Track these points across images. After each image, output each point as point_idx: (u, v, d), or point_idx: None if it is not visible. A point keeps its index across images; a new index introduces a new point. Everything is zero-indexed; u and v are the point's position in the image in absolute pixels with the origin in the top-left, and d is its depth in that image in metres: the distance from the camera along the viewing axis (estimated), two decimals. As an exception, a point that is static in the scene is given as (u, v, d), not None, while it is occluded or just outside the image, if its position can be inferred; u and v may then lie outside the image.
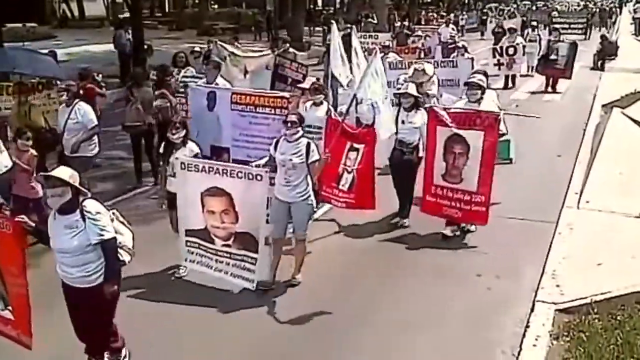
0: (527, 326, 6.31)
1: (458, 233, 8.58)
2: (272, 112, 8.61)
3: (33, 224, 5.24)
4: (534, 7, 59.45)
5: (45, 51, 14.68)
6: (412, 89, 8.89)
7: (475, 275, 7.50)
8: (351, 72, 11.21)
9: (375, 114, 8.58)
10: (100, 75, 13.13)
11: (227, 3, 47.45)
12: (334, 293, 7.14)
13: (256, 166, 6.99)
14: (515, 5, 62.19)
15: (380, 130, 8.39)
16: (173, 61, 13.99)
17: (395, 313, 6.69)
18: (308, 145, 6.86)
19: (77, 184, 5.01)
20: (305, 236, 7.21)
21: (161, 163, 7.72)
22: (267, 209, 7.02)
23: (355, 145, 8.37)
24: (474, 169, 8.06)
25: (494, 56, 20.20)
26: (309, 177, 6.95)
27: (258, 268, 6.81)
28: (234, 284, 6.96)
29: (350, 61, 11.31)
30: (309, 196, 7.00)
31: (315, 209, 7.45)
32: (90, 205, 5.04)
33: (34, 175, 8.12)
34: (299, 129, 6.92)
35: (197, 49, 16.14)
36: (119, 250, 5.21)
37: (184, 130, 7.29)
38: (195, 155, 7.19)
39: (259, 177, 6.65)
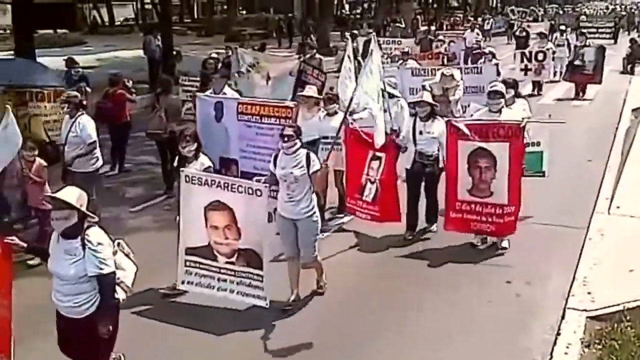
0: (558, 333, 6.22)
1: (488, 243, 8.33)
2: (277, 122, 8.22)
3: (25, 244, 5.07)
4: (561, 11, 58.89)
5: (65, 57, 14.72)
6: (427, 97, 8.56)
7: (504, 281, 7.40)
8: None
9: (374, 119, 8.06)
10: (131, 82, 13.22)
11: (255, 9, 47.66)
12: (354, 307, 6.94)
13: (257, 181, 6.72)
14: (541, 9, 61.32)
15: (377, 138, 7.88)
16: (203, 67, 14.14)
17: (422, 322, 6.61)
18: (308, 155, 6.59)
19: (84, 208, 4.72)
20: (316, 255, 6.86)
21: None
22: (269, 222, 6.84)
23: (377, 154, 8.14)
24: (503, 181, 7.80)
25: (522, 61, 19.51)
26: (312, 191, 6.66)
27: (266, 285, 6.44)
28: (241, 302, 6.64)
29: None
30: (314, 212, 6.70)
31: (319, 231, 6.92)
32: (93, 234, 4.73)
33: (46, 186, 7.97)
34: (297, 141, 6.59)
35: (214, 55, 16.13)
36: (116, 287, 4.89)
37: (195, 143, 6.97)
38: (207, 169, 6.92)
39: (258, 192, 6.34)
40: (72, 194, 4.72)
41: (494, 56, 15.42)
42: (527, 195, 8.17)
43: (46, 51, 23.26)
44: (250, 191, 6.36)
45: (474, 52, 20.30)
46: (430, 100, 8.51)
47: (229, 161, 8.84)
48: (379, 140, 7.78)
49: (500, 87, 8.54)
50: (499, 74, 15.30)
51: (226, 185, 6.43)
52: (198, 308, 6.84)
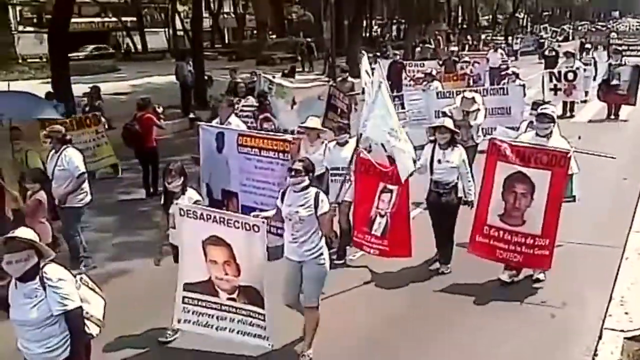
0: (595, 355, 6.05)
1: (517, 279, 7.70)
2: (276, 156, 7.91)
3: None
4: (593, 29, 58.25)
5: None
6: (449, 123, 8.02)
7: (539, 302, 7.25)
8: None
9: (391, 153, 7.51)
10: (162, 107, 13.30)
11: (285, 33, 48.12)
12: (376, 345, 6.50)
13: (255, 216, 6.19)
14: (571, 27, 60.59)
15: (401, 174, 7.45)
16: (234, 90, 14.26)
17: (456, 341, 6.49)
18: (317, 195, 6.02)
19: (40, 247, 4.36)
20: (317, 303, 6.18)
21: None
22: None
23: (389, 187, 7.76)
24: (539, 212, 7.26)
25: (551, 80, 18.52)
26: (318, 232, 6.08)
27: (268, 324, 5.97)
28: (242, 343, 6.16)
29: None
30: (321, 254, 6.10)
31: (326, 276, 6.24)
32: (52, 271, 4.35)
33: (43, 218, 7.60)
34: (305, 177, 6.06)
35: (238, 80, 16.16)
36: (86, 321, 4.54)
37: (182, 178, 6.57)
38: (196, 203, 6.53)
39: (256, 228, 5.86)
40: (29, 233, 4.38)
41: (517, 76, 15.29)
42: (562, 213, 8.01)
43: (81, 78, 23.73)
44: (247, 227, 5.90)
45: (502, 73, 20.11)
46: (451, 126, 8.00)
47: (230, 194, 8.62)
48: (402, 175, 7.42)
49: (551, 110, 8.00)
50: (525, 95, 15.22)
51: (222, 219, 6.02)
52: (194, 354, 6.40)
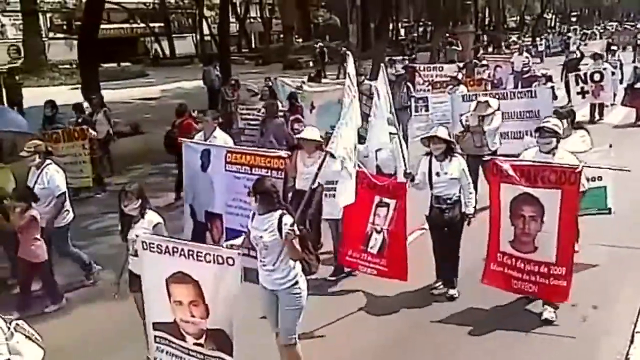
0: (627, 359, 6.05)
1: (554, 316, 6.83)
2: (269, 173, 7.27)
3: None
4: (620, 28, 57.16)
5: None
6: (442, 133, 7.38)
7: (570, 305, 7.02)
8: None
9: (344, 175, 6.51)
10: (196, 111, 13.38)
11: (311, 37, 48.22)
12: None
13: (228, 246, 5.50)
14: (599, 27, 59.27)
15: (338, 198, 6.69)
16: (261, 97, 14.35)
17: (485, 345, 6.43)
18: (281, 218, 5.39)
19: None
20: (294, 340, 5.60)
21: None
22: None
23: (385, 200, 7.27)
24: (551, 236, 6.60)
25: (577, 83, 17.94)
26: (288, 259, 5.47)
27: None
28: None
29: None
30: (295, 284, 5.50)
31: (302, 306, 5.58)
32: None
33: (37, 235, 7.46)
34: (273, 199, 5.52)
35: (253, 87, 16.15)
36: None
37: (139, 200, 5.99)
38: (157, 226, 5.97)
39: (230, 261, 5.16)
40: None
41: (548, 79, 15.05)
42: (594, 216, 7.94)
43: (110, 84, 24.05)
44: (220, 260, 5.20)
45: (524, 76, 19.57)
46: (445, 136, 7.36)
47: (214, 216, 8.09)
48: (340, 204, 6.72)
49: (553, 123, 7.24)
50: (555, 97, 14.95)
51: (190, 253, 5.31)
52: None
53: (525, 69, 19.75)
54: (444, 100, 14.15)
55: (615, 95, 19.01)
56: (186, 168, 8.38)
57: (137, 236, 5.75)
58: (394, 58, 21.73)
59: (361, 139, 7.53)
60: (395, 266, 7.26)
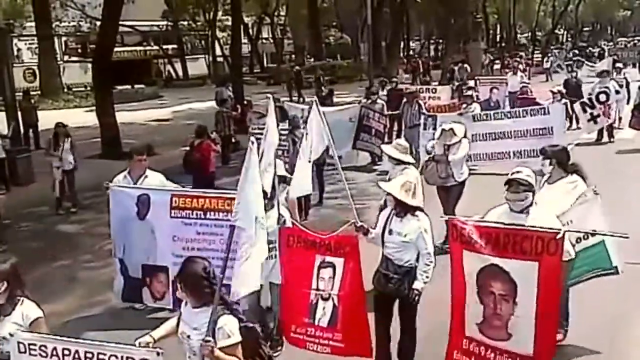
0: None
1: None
2: (226, 217, 6.33)
3: None
4: (627, 44, 56.01)
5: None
6: (394, 187, 5.82)
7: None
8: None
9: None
10: (214, 133, 13.44)
11: (323, 56, 48.55)
12: None
13: (141, 345, 4.13)
14: (608, 43, 58.08)
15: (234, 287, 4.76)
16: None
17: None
18: (218, 319, 4.10)
19: None
20: None
21: None
22: None
23: (329, 260, 5.70)
24: (528, 323, 5.12)
25: (585, 111, 16.21)
26: None
27: None
28: None
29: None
30: None
31: None
32: None
33: None
34: (204, 289, 4.18)
35: (260, 108, 16.23)
36: None
37: (5, 283, 4.30)
38: (34, 322, 4.34)
39: None
40: None
41: (563, 95, 15.03)
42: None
43: (124, 106, 24.31)
44: None
45: (519, 96, 18.77)
46: (398, 193, 5.73)
47: (156, 269, 7.15)
48: (242, 292, 4.73)
49: (526, 174, 5.62)
50: (568, 114, 14.86)
51: (89, 356, 3.98)
52: None
53: (522, 90, 19.09)
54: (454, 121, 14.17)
55: (621, 118, 18.04)
56: (114, 216, 7.35)
57: (10, 335, 4.21)
58: (385, 80, 21.07)
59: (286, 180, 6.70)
60: (354, 340, 5.73)
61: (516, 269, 5.09)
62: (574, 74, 22.36)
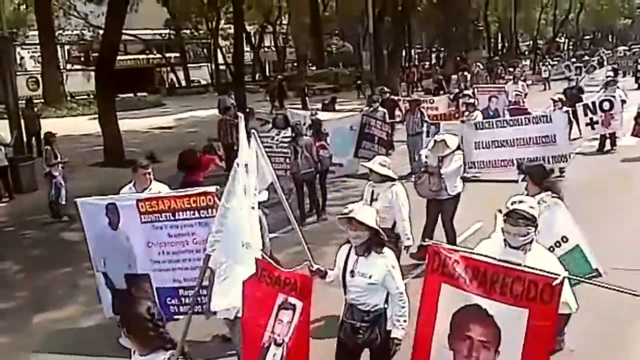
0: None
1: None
2: (195, 215, 6.28)
3: None
4: (625, 53, 55.34)
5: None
6: (366, 215, 4.94)
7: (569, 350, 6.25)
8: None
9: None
10: (219, 145, 13.52)
11: (325, 64, 48.63)
12: None
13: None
14: (607, 52, 57.45)
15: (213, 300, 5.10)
16: (273, 123, 14.58)
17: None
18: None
19: None
20: None
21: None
22: None
23: (291, 301, 4.74)
24: None
25: (585, 114, 16.31)
26: None
27: None
28: None
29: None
30: None
31: None
32: None
33: None
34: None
35: (263, 115, 16.52)
36: None
37: None
38: None
39: None
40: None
41: (564, 103, 15.04)
42: (608, 239, 7.63)
43: (127, 114, 24.37)
44: None
45: (510, 107, 18.19)
46: (369, 220, 4.91)
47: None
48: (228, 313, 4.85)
49: (528, 205, 4.69)
50: (571, 122, 14.83)
51: None
52: None
53: (516, 99, 18.93)
54: (456, 129, 14.22)
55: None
56: (88, 230, 7.10)
57: None
58: (385, 89, 21.00)
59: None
60: None
61: (502, 314, 4.14)
62: (572, 82, 22.35)
